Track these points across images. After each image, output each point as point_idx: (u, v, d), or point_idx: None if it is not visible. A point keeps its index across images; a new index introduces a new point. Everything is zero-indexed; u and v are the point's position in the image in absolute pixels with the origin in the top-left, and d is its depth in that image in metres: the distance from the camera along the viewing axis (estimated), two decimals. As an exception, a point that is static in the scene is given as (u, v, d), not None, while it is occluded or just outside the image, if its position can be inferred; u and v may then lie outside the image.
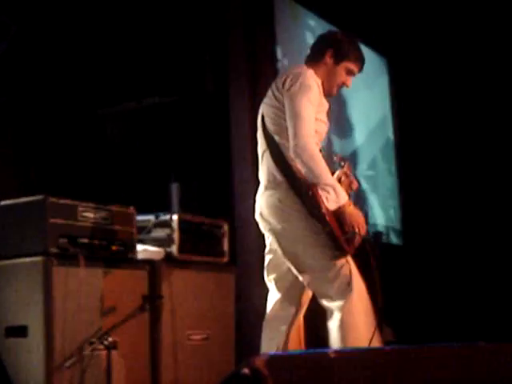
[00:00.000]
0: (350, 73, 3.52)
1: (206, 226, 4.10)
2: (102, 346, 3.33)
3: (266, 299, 4.52)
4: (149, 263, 3.72)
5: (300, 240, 3.30)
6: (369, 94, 6.17)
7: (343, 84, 3.53)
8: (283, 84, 3.36)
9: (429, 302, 5.94)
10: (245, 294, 4.40)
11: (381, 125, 6.36)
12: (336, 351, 1.31)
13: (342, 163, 3.59)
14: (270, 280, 3.50)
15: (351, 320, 3.26)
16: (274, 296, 3.51)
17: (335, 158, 3.61)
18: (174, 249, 3.87)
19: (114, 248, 3.53)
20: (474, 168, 6.16)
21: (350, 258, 3.32)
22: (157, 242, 3.89)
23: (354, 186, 3.58)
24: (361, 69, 3.55)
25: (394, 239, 6.12)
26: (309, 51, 3.56)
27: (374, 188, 6.04)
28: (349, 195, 3.46)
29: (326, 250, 3.25)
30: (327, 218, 3.20)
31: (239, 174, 4.61)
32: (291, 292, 3.46)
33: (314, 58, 3.51)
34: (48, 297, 3.22)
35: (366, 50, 6.08)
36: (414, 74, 6.46)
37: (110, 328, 3.37)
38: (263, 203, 3.43)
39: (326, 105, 3.49)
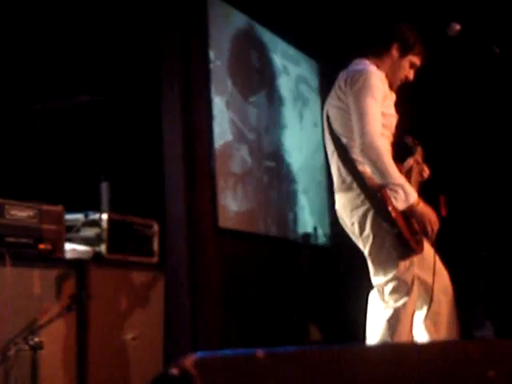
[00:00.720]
0: (412, 66, 3.48)
1: (136, 226, 4.08)
2: (27, 347, 3.28)
3: (195, 299, 4.54)
4: (77, 263, 3.68)
5: (368, 239, 3.32)
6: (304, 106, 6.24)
7: (406, 78, 3.49)
8: (345, 82, 3.33)
9: (356, 302, 6.02)
10: (174, 294, 4.39)
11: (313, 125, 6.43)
12: (265, 352, 1.32)
13: (415, 147, 3.57)
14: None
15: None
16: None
17: (408, 141, 3.58)
18: (103, 248, 3.84)
19: (41, 247, 3.48)
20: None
21: (415, 262, 3.30)
22: (86, 242, 3.85)
23: (425, 173, 3.57)
24: (423, 62, 3.49)
25: (322, 240, 6.18)
26: (368, 43, 3.51)
27: (304, 189, 6.10)
28: (419, 185, 3.48)
29: (391, 251, 3.26)
30: (397, 221, 3.19)
31: (170, 175, 4.60)
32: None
33: (377, 51, 3.45)
34: (-27, 296, 3.16)
35: (296, 55, 6.19)
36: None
37: (36, 328, 3.33)
38: (337, 204, 3.45)
39: (392, 97, 3.46)
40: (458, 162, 6.14)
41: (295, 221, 5.90)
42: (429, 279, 3.36)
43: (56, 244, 3.57)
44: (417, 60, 3.49)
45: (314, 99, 6.50)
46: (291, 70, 6.09)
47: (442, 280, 3.44)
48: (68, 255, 3.67)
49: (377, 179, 3.23)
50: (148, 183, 4.73)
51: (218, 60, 5.14)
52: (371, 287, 3.52)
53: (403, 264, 3.27)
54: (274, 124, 5.83)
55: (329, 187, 6.43)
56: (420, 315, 3.41)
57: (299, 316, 5.22)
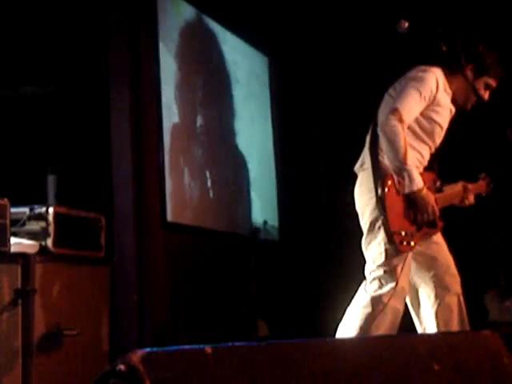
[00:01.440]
0: (487, 87, 3.51)
1: (82, 220, 4.03)
2: (-30, 342, 3.22)
3: (142, 294, 4.51)
4: (22, 257, 3.62)
5: (365, 226, 3.40)
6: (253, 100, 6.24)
7: (480, 98, 3.51)
8: (405, 75, 3.44)
9: (303, 297, 6.06)
10: (121, 288, 4.35)
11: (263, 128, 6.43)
12: (213, 347, 1.32)
13: (479, 180, 3.71)
14: None
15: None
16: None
17: (479, 174, 3.74)
18: (49, 242, 3.78)
19: (-15, 241, 3.42)
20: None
21: (407, 259, 3.35)
22: (31, 235, 3.79)
23: (468, 201, 3.66)
24: (499, 83, 3.53)
25: (271, 235, 6.20)
26: (442, 59, 3.54)
27: (254, 183, 6.10)
28: (451, 204, 3.57)
29: (383, 243, 3.32)
30: (388, 209, 3.24)
31: (118, 168, 4.55)
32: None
33: (451, 67, 3.49)
34: None
35: (247, 49, 6.18)
36: (297, 74, 6.55)
37: (-20, 323, 3.27)
38: (355, 185, 3.52)
39: (449, 109, 3.50)
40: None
41: (244, 215, 5.90)
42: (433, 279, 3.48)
43: (1, 238, 3.50)
44: (492, 82, 3.53)
45: (264, 94, 6.51)
46: (242, 64, 6.08)
47: (449, 275, 3.50)
48: (13, 249, 3.61)
49: (387, 160, 3.31)
50: (95, 176, 4.68)
51: (168, 52, 5.10)
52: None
53: (392, 259, 3.32)
54: (224, 118, 5.81)
55: (279, 182, 6.47)
56: (429, 314, 3.48)
57: (247, 311, 5.23)
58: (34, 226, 3.83)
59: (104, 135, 4.59)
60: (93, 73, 4.82)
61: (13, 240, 3.64)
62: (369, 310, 3.31)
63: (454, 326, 3.45)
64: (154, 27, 4.93)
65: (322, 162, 6.45)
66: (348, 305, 3.49)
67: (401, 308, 3.39)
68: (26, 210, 3.85)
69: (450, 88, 3.51)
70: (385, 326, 3.31)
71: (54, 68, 4.87)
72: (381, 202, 3.27)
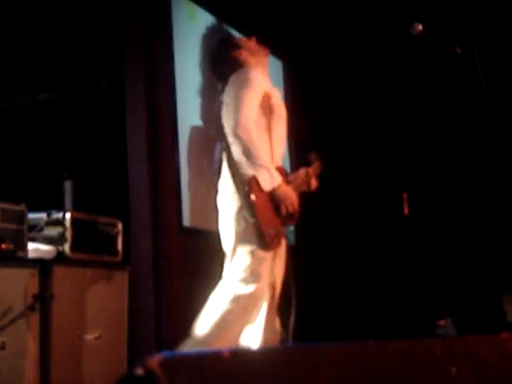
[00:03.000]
0: (248, 50, 3.93)
1: (99, 225, 4.06)
2: (-11, 347, 3.24)
3: (159, 298, 4.52)
4: (40, 262, 3.64)
5: (231, 232, 3.53)
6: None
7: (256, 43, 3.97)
8: (231, 85, 3.67)
9: (319, 301, 6.05)
10: (138, 293, 4.36)
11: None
12: (231, 351, 1.32)
13: (314, 162, 3.86)
14: None
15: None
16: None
17: (310, 156, 3.91)
18: (66, 247, 3.81)
19: (3, 246, 3.44)
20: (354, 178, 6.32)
21: (269, 260, 3.44)
22: (49, 241, 3.82)
23: (312, 186, 3.84)
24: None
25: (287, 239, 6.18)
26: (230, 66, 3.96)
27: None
28: (301, 192, 3.72)
29: (248, 245, 3.44)
30: (257, 212, 3.33)
31: (134, 173, 4.57)
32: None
33: (238, 66, 3.84)
34: None
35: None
36: (311, 77, 6.56)
37: (-1, 328, 3.29)
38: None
39: (272, 90, 3.76)
40: (420, 160, 6.20)
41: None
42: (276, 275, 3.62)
43: (18, 243, 3.53)
44: (241, 41, 4.11)
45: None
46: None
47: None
48: (31, 255, 3.63)
49: (245, 164, 3.42)
50: (112, 181, 4.70)
51: (184, 56, 5.10)
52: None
53: (257, 258, 3.40)
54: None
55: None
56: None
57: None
58: (52, 231, 3.85)
59: (120, 140, 4.61)
60: (108, 78, 4.84)
61: (30, 245, 3.66)
62: (229, 306, 3.41)
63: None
64: (168, 32, 4.94)
65: (337, 165, 6.44)
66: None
67: (258, 308, 3.47)
68: (44, 215, 3.88)
69: (263, 71, 3.85)
70: (241, 324, 3.39)
71: (70, 74, 4.89)
72: (249, 205, 3.35)
